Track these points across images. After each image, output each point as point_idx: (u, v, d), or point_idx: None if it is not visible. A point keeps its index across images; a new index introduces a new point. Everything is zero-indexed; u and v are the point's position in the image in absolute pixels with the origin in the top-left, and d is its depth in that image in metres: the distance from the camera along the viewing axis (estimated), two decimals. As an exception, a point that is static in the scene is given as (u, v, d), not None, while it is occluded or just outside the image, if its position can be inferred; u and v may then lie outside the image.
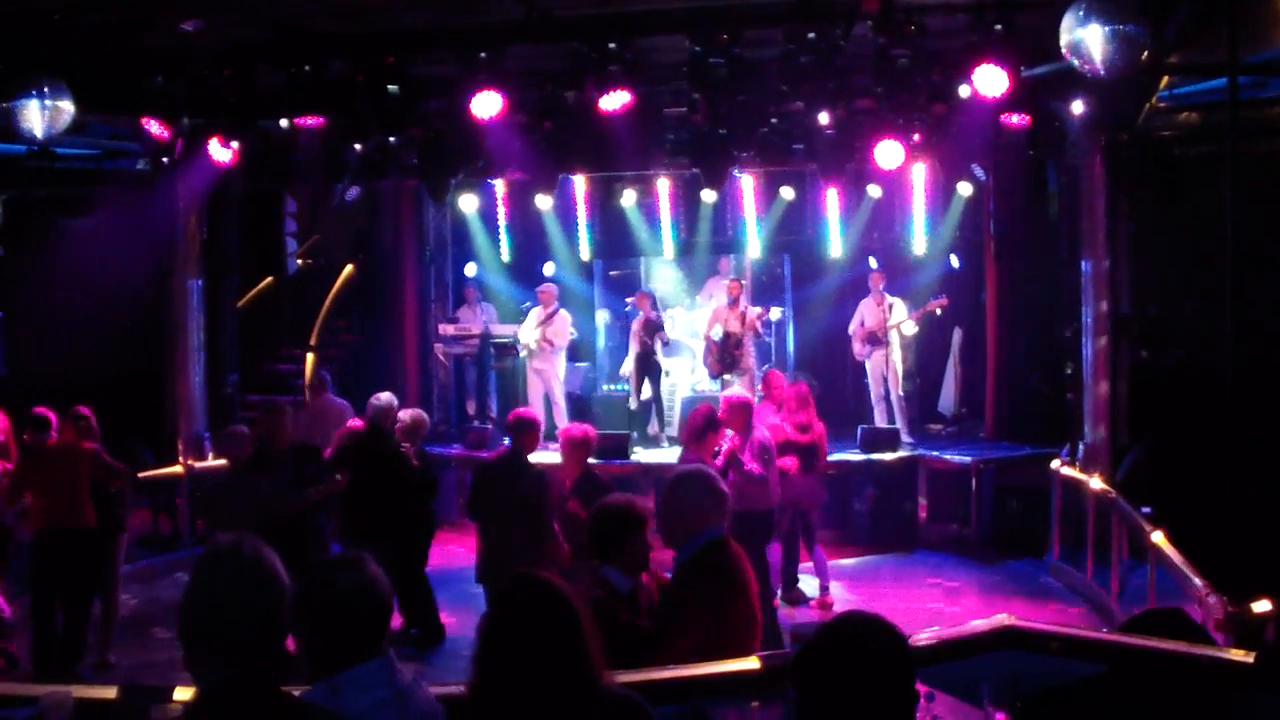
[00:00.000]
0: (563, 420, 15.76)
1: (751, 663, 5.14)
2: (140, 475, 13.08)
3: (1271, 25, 10.12)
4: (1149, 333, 13.62)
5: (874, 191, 16.62)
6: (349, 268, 17.00)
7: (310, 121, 12.55)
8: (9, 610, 10.42)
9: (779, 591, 11.48)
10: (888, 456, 14.47)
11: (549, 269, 18.33)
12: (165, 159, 13.60)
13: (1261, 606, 7.49)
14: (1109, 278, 13.04)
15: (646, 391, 16.04)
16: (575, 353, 17.43)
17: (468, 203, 17.64)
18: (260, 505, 9.11)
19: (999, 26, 10.70)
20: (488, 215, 18.21)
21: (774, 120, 12.50)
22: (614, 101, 11.69)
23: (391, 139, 12.93)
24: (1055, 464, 13.01)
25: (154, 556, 13.34)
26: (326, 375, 14.23)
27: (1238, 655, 5.11)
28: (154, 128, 12.25)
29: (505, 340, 16.37)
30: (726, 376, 15.49)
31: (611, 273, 18.98)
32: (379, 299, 17.66)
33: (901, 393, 15.75)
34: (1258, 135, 12.16)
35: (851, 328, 15.91)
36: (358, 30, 11.91)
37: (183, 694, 4.21)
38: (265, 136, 13.15)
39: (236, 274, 15.81)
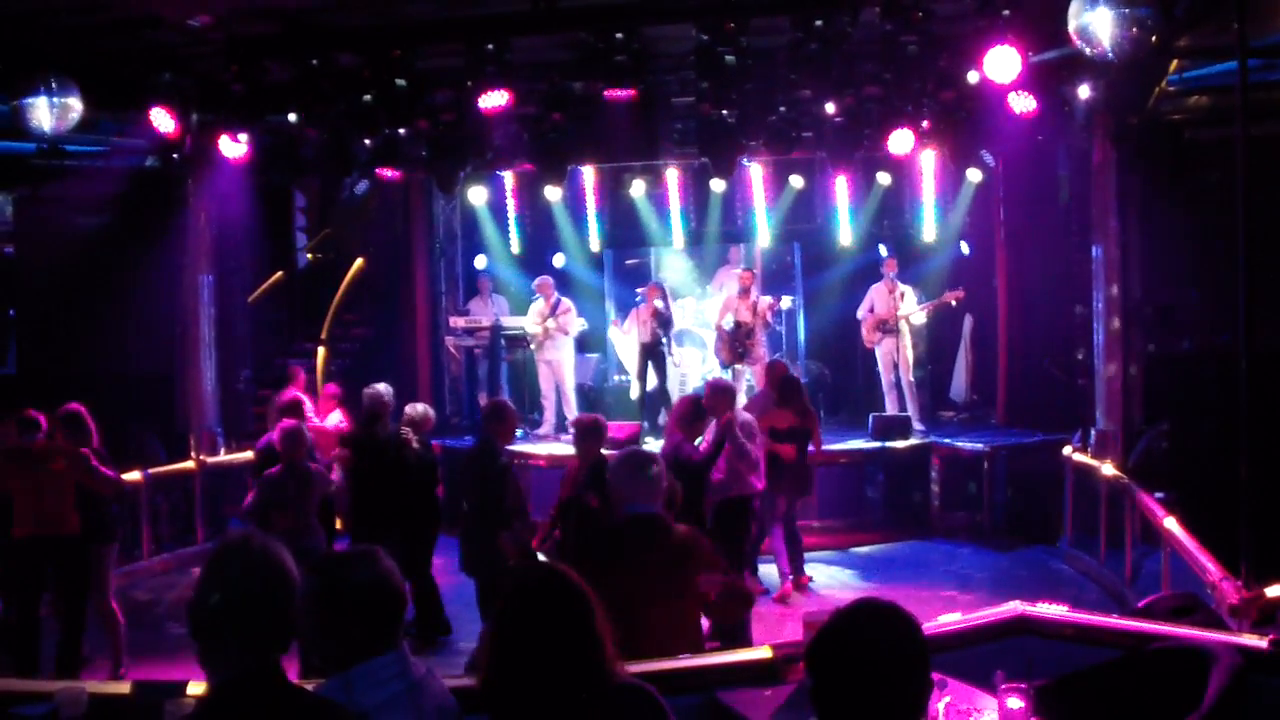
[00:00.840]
0: (573, 411, 15.78)
1: (764, 652, 5.15)
2: (153, 471, 13.15)
3: (1280, 7, 10.10)
4: (1161, 317, 13.58)
5: (883, 179, 16.61)
6: (359, 261, 17.00)
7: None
8: None
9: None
10: (900, 444, 14.47)
11: (559, 260, 18.33)
12: (174, 155, 13.61)
13: (1276, 591, 7.48)
14: (1120, 262, 12.99)
15: (651, 380, 16.03)
16: (585, 344, 17.44)
17: (477, 195, 17.66)
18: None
19: (1007, 11, 10.66)
20: (497, 207, 18.23)
21: (782, 109, 12.48)
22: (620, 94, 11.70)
23: (400, 132, 12.92)
24: (1067, 450, 12.99)
25: (167, 552, 13.35)
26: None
27: (1252, 640, 5.10)
28: (163, 124, 12.25)
29: (516, 332, 16.37)
30: (738, 366, 15.49)
31: (628, 262, 18.97)
32: (389, 292, 17.68)
33: (913, 379, 15.74)
34: (1268, 117, 12.11)
35: (861, 313, 15.89)
36: (365, 23, 11.91)
37: (196, 689, 4.22)
38: (274, 131, 13.16)
39: (247, 269, 15.82)
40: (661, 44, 12.29)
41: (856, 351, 17.20)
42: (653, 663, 4.87)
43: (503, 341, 16.54)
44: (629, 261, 19.00)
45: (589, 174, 17.58)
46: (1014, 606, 5.61)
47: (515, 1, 11.06)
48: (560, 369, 16.14)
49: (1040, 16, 10.57)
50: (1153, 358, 13.49)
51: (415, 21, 11.89)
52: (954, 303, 15.79)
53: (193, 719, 3.31)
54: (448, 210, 18.23)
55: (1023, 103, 11.14)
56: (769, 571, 11.71)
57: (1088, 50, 9.32)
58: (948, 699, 4.24)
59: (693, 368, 17.06)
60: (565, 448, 14.83)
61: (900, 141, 12.48)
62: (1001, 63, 10.74)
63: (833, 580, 12.08)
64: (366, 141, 13.19)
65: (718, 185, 16.67)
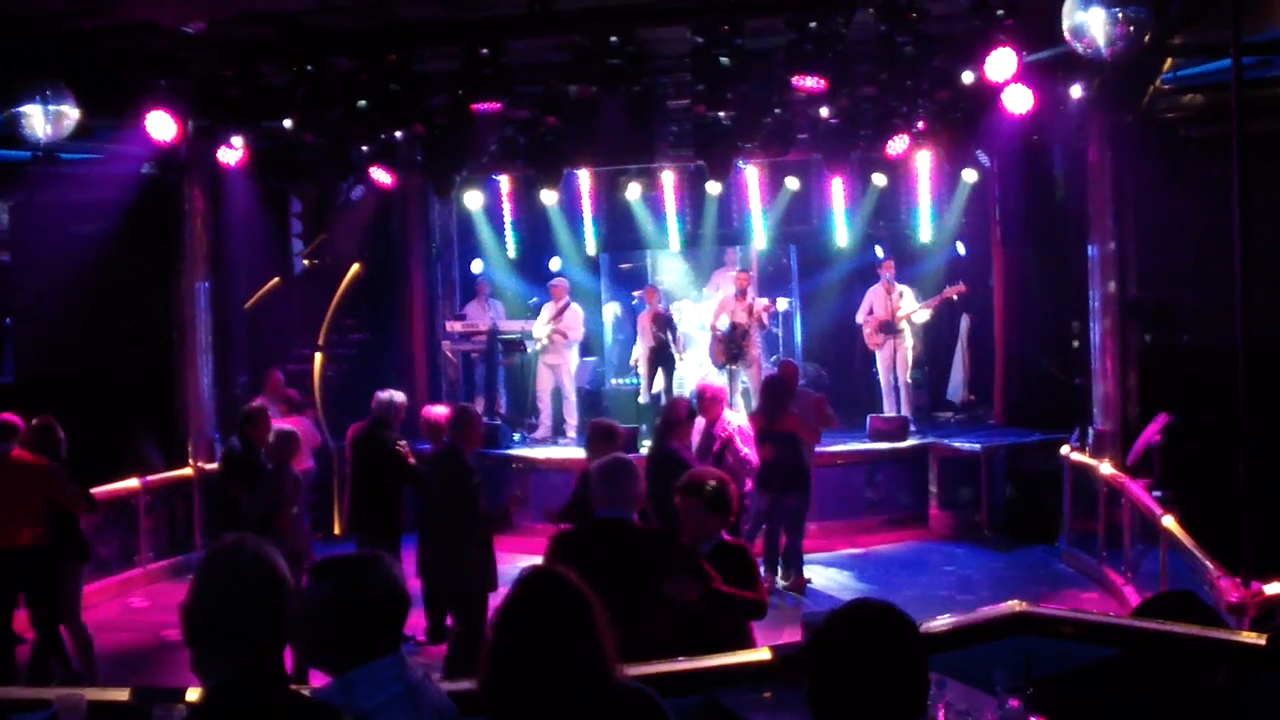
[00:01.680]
0: (573, 415, 15.80)
1: (763, 653, 5.14)
2: (150, 478, 13.14)
3: (1274, 4, 10.11)
4: (1158, 315, 13.59)
5: (879, 180, 16.64)
6: (356, 266, 16.98)
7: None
8: None
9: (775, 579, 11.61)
10: (898, 445, 14.47)
11: (555, 264, 18.35)
12: (170, 161, 13.60)
13: (1275, 588, 7.49)
14: (1116, 261, 13.00)
15: (659, 384, 16.05)
16: (583, 347, 17.45)
17: (473, 199, 17.66)
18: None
19: (1001, 11, 10.66)
20: (493, 211, 18.23)
21: (778, 110, 12.48)
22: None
23: (396, 136, 12.92)
24: (1065, 449, 13.00)
25: (165, 558, 13.33)
26: None
27: (1250, 638, 5.10)
28: (161, 129, 12.23)
29: (513, 336, 16.38)
30: (733, 368, 15.49)
31: (622, 265, 18.97)
32: (386, 297, 17.67)
33: (909, 380, 15.76)
34: (1263, 115, 12.12)
35: (860, 316, 15.93)
36: (360, 27, 11.90)
37: (194, 695, 4.22)
38: (270, 136, 13.15)
39: (243, 274, 15.80)
40: (657, 46, 12.29)
41: (854, 353, 17.22)
42: (652, 665, 4.87)
43: (499, 346, 16.54)
44: (625, 265, 18.99)
45: (585, 177, 17.60)
46: (1013, 606, 5.61)
47: (511, 4, 11.05)
48: (562, 373, 16.18)
49: (1034, 16, 10.57)
50: (1150, 356, 13.49)
51: (411, 25, 11.88)
52: (955, 298, 15.83)
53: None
54: (444, 215, 18.23)
55: (1018, 102, 11.14)
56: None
57: (1082, 49, 9.33)
58: (947, 699, 4.24)
59: (689, 370, 17.06)
60: (563, 451, 14.86)
61: (897, 143, 12.53)
62: (996, 63, 10.75)
63: (831, 581, 12.07)
64: (363, 146, 13.20)
65: (714, 188, 16.67)
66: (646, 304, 16.33)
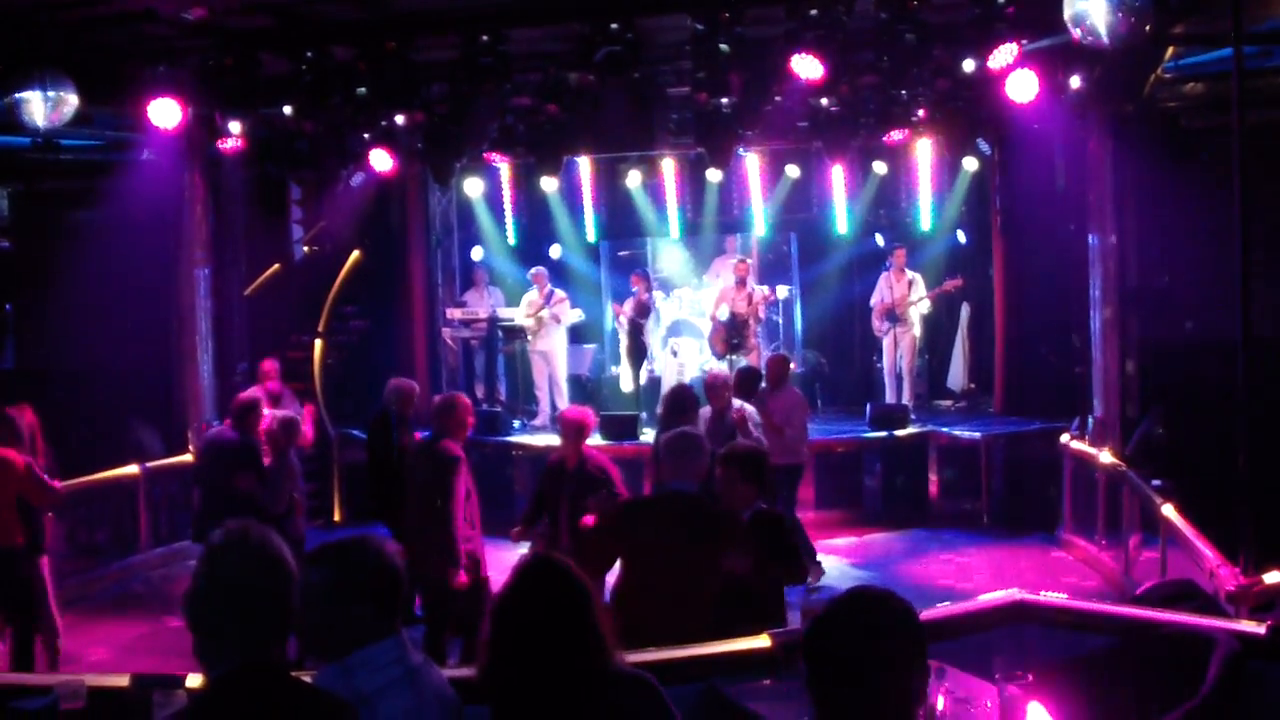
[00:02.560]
0: (564, 403, 15.80)
1: (763, 640, 5.15)
2: (150, 465, 13.15)
3: (1276, -7, 10.09)
4: (1158, 304, 13.59)
5: (880, 168, 16.63)
6: (355, 253, 16.97)
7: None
8: None
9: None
10: (897, 433, 14.47)
11: (555, 251, 18.35)
12: (169, 149, 13.57)
13: (1274, 578, 7.49)
14: (1116, 250, 12.99)
15: (641, 373, 16.07)
16: (582, 334, 17.45)
17: (473, 186, 17.65)
18: None
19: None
20: (493, 199, 18.23)
21: (778, 98, 12.46)
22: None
23: (396, 123, 12.90)
24: (1065, 438, 13.00)
25: (164, 545, 13.33)
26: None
27: (1249, 626, 5.11)
28: (164, 117, 12.21)
29: (513, 324, 16.38)
30: (733, 357, 15.49)
31: (622, 253, 18.96)
32: (386, 284, 17.65)
33: (911, 368, 15.78)
34: (1264, 105, 12.11)
35: (873, 301, 15.99)
36: (360, 14, 11.88)
37: (194, 682, 4.22)
38: (269, 123, 13.13)
39: (243, 262, 15.80)
40: (657, 34, 12.26)
41: (853, 341, 17.24)
42: (651, 652, 4.88)
43: (499, 333, 16.55)
44: (625, 252, 18.98)
45: (585, 165, 17.59)
46: (1012, 594, 5.62)
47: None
48: (553, 359, 16.18)
49: (1035, 4, 10.56)
50: (1150, 345, 13.49)
51: (410, 13, 11.86)
52: (952, 289, 15.87)
53: (191, 712, 3.31)
54: (444, 202, 18.22)
55: (1022, 89, 11.13)
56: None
57: (1083, 38, 9.31)
58: (946, 687, 4.24)
59: (690, 358, 17.06)
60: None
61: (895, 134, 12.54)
62: (996, 51, 10.74)
63: (830, 569, 12.07)
64: (363, 134, 13.19)
65: (714, 175, 16.65)
66: (633, 290, 16.32)
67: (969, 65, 11.36)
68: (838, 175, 16.91)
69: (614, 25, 11.33)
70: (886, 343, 15.90)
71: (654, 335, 17.01)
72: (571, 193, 18.03)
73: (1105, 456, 11.87)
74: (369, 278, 17.23)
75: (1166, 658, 4.93)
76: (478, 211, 18.23)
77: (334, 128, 12.94)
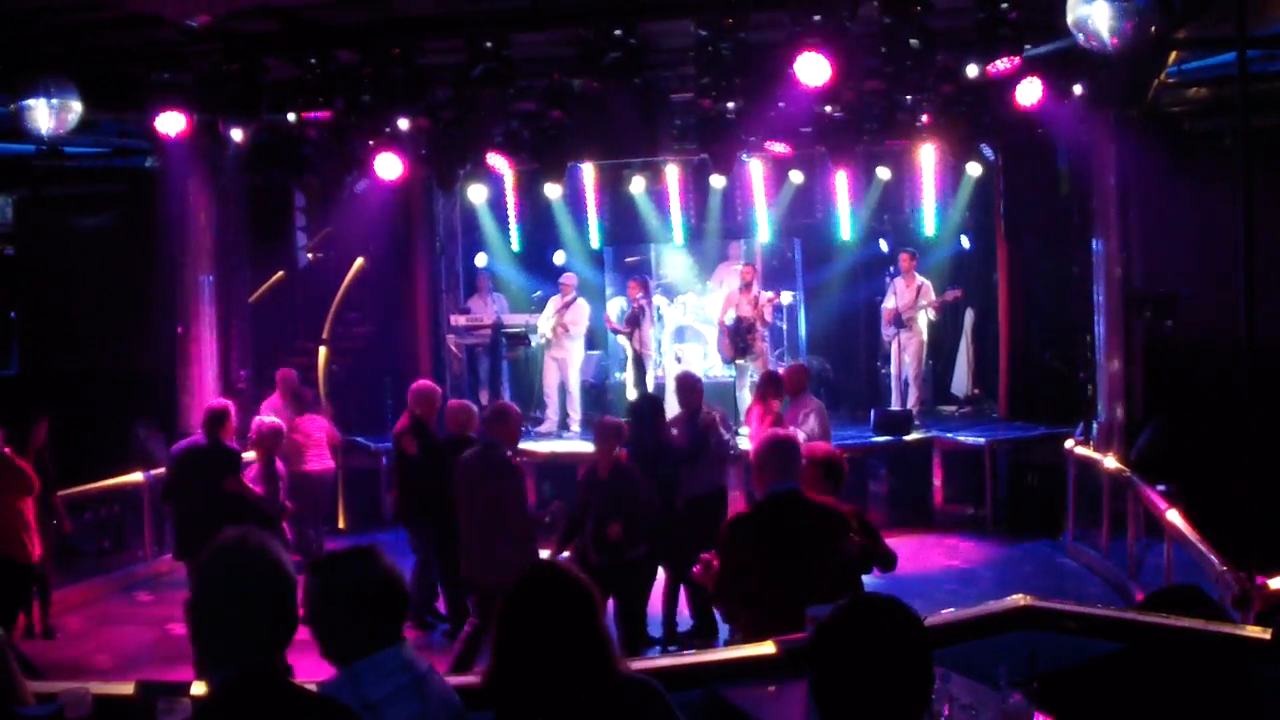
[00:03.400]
0: (576, 409, 15.82)
1: (767, 647, 5.14)
2: (154, 471, 13.15)
3: (1279, -2, 10.08)
4: (1162, 309, 13.57)
5: (883, 173, 16.62)
6: (359, 260, 16.99)
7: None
8: None
9: None
10: (902, 438, 14.46)
11: (559, 258, 18.35)
12: (174, 155, 13.59)
13: (1279, 583, 7.48)
14: (1120, 255, 12.99)
15: (632, 378, 16.08)
16: (589, 340, 17.46)
17: (477, 193, 17.65)
18: None
19: (1005, 4, 10.64)
20: (497, 205, 18.22)
21: (781, 104, 12.46)
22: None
23: (400, 129, 12.90)
24: (1069, 443, 13.00)
25: (169, 552, 13.31)
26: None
27: (1255, 632, 5.10)
28: (162, 124, 12.23)
29: (517, 330, 16.39)
30: (740, 361, 15.49)
31: (627, 259, 18.96)
32: (390, 291, 17.66)
33: (917, 373, 15.77)
34: (1267, 109, 12.10)
35: (883, 306, 16.00)
36: (364, 20, 11.89)
37: (199, 689, 4.22)
38: (273, 130, 13.14)
39: (247, 268, 15.82)
40: (661, 39, 12.27)
41: (858, 346, 17.23)
42: (655, 659, 4.87)
43: (504, 339, 16.54)
44: (629, 259, 18.99)
45: (589, 171, 17.59)
46: (1017, 600, 5.61)
47: (514, -2, 11.07)
48: (567, 366, 16.20)
49: (1038, 9, 10.55)
50: (1154, 350, 13.48)
51: (415, 18, 11.87)
52: (952, 300, 15.91)
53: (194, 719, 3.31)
54: (448, 208, 18.22)
55: (1027, 94, 11.13)
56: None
57: (1086, 43, 9.31)
58: (951, 693, 4.24)
59: (695, 363, 17.06)
60: (568, 444, 14.87)
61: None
62: (998, 56, 10.74)
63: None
64: (367, 140, 13.19)
65: (718, 181, 16.67)
66: (633, 297, 16.33)
67: (972, 70, 11.36)
68: (841, 181, 16.90)
69: (618, 31, 11.33)
70: (893, 348, 15.89)
71: (656, 341, 16.98)
72: (575, 199, 18.03)
73: (1110, 461, 11.87)
74: (373, 284, 17.25)
75: (1172, 664, 4.92)
76: (481, 217, 18.23)
77: (338, 133, 12.94)
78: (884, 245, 17.50)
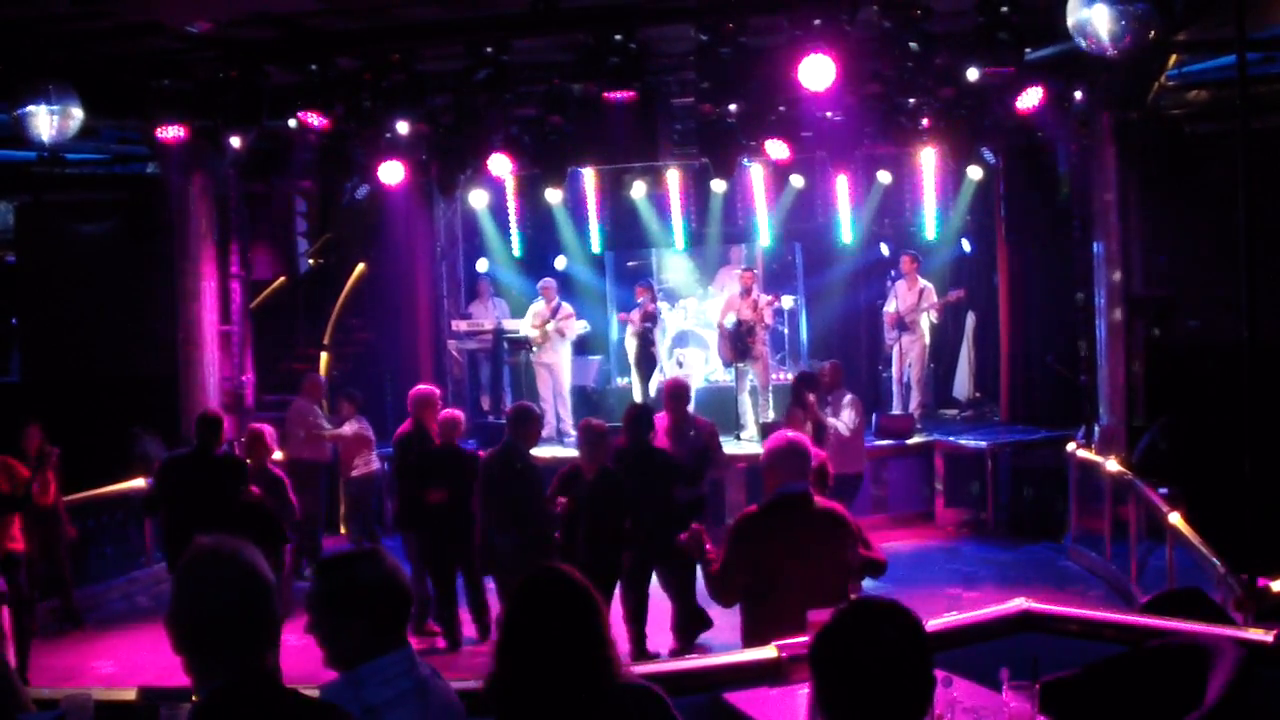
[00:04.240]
0: (568, 415, 15.79)
1: (769, 651, 5.14)
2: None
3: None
4: (1163, 312, 13.57)
5: (884, 177, 16.60)
6: (361, 266, 17.01)
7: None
8: None
9: None
10: (904, 442, 14.46)
11: (560, 263, 18.36)
12: (175, 161, 13.60)
13: (1281, 585, 7.47)
14: (1121, 258, 12.99)
15: (639, 385, 16.08)
16: (588, 346, 17.45)
17: (478, 198, 17.65)
18: None
19: (1005, 8, 10.65)
20: (498, 210, 18.22)
21: (782, 108, 12.47)
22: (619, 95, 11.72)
23: (400, 135, 12.91)
24: (1071, 446, 12.99)
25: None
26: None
27: (1257, 635, 5.10)
28: (163, 130, 12.24)
29: (518, 335, 16.40)
30: (740, 365, 15.48)
31: (628, 264, 18.97)
32: (391, 296, 17.68)
33: (919, 377, 15.76)
34: (1268, 111, 12.10)
35: (885, 310, 15.99)
36: (364, 26, 11.91)
37: (201, 695, 4.22)
38: (274, 136, 13.15)
39: (248, 274, 15.81)
40: (661, 44, 12.28)
41: (859, 350, 17.22)
42: (658, 664, 4.87)
43: (505, 344, 16.54)
44: (631, 263, 19.00)
45: (589, 176, 17.60)
46: (1019, 603, 5.61)
47: (514, 3, 11.06)
48: (558, 372, 16.17)
49: (1038, 12, 10.56)
50: (1155, 353, 13.47)
51: (414, 24, 11.89)
52: (955, 301, 15.89)
53: None
54: (449, 214, 18.21)
55: (1027, 98, 11.14)
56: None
57: (1086, 46, 9.31)
58: (952, 697, 4.24)
59: (696, 368, 17.05)
60: (566, 451, 14.85)
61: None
62: (998, 59, 10.75)
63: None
64: (367, 146, 13.20)
65: (718, 186, 16.69)
66: (638, 302, 16.32)
67: (973, 74, 11.36)
68: (842, 185, 16.90)
69: (618, 36, 11.35)
70: (895, 351, 15.88)
71: (660, 346, 16.98)
72: (576, 204, 18.03)
73: (1111, 464, 11.86)
74: (374, 290, 17.26)
75: (1174, 667, 4.92)
76: (482, 223, 18.23)
77: (339, 139, 12.96)
78: (885, 249, 17.50)
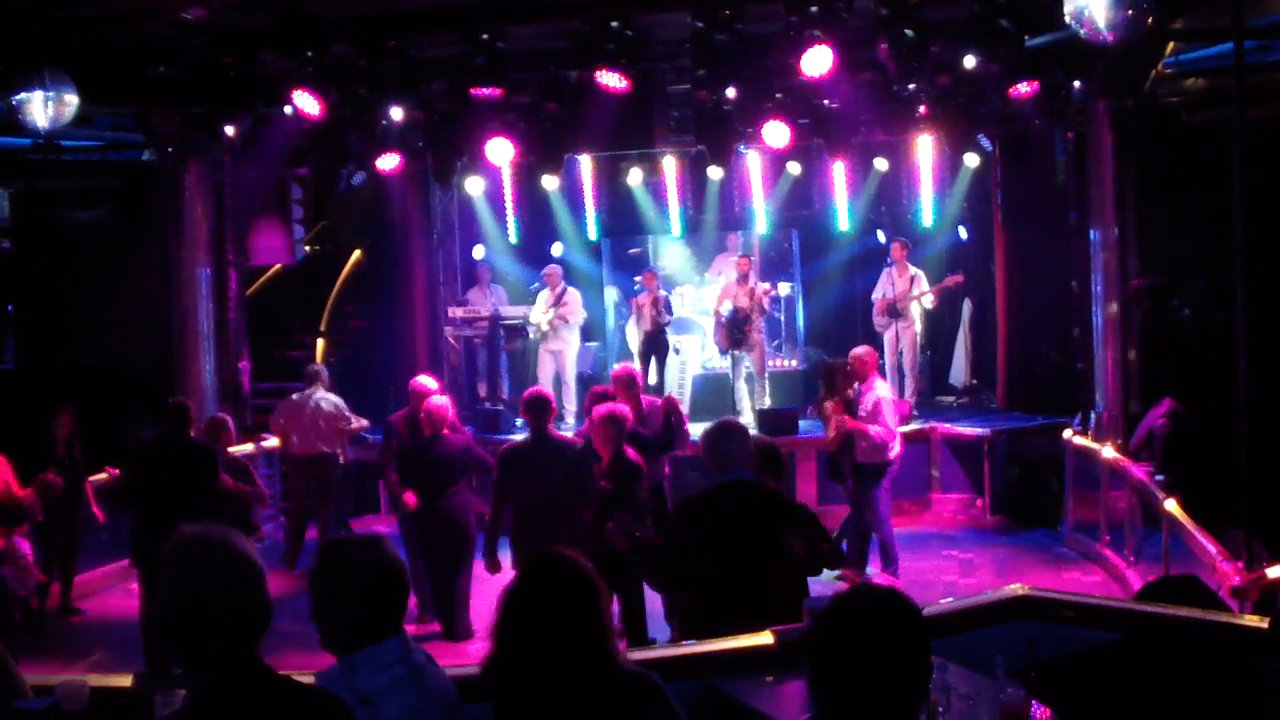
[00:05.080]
0: (572, 401, 15.76)
1: (765, 638, 5.14)
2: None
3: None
4: (1160, 300, 13.57)
5: (881, 165, 16.60)
6: (357, 253, 16.98)
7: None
8: None
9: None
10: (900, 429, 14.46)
11: (557, 249, 18.34)
12: (170, 148, 13.57)
13: (1276, 573, 7.48)
14: (1117, 245, 12.98)
15: (653, 371, 16.02)
16: (585, 332, 17.44)
17: (474, 185, 17.62)
18: None
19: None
20: (494, 197, 18.19)
21: (779, 95, 12.45)
22: (614, 83, 11.68)
23: (396, 122, 12.90)
24: (1067, 433, 12.99)
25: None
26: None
27: (1252, 621, 5.11)
28: (158, 117, 12.22)
29: (515, 322, 16.38)
30: (736, 352, 15.48)
31: (630, 251, 18.96)
32: (387, 283, 17.65)
33: (913, 363, 15.76)
34: (1265, 99, 12.10)
35: (874, 296, 15.96)
36: (359, 13, 11.89)
37: (197, 681, 4.22)
38: (269, 122, 13.12)
39: (244, 262, 15.78)
40: (657, 31, 12.26)
41: (856, 338, 17.17)
42: (654, 650, 4.87)
43: (501, 331, 16.53)
44: (630, 251, 18.99)
45: (586, 163, 17.57)
46: (1015, 590, 5.61)
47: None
48: (564, 359, 16.15)
49: (1035, 1, 10.55)
50: (1152, 340, 13.47)
51: (409, 11, 11.86)
52: (953, 286, 15.87)
53: (181, 716, 3.29)
54: (445, 201, 18.17)
55: (1019, 87, 11.13)
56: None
57: (1084, 33, 9.30)
58: (948, 682, 4.24)
59: (692, 355, 17.05)
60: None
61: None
62: (995, 47, 10.74)
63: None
64: (363, 132, 13.18)
65: (715, 173, 16.66)
66: (646, 289, 16.29)
67: (970, 61, 11.35)
68: (839, 172, 16.90)
69: (614, 23, 11.33)
70: (888, 338, 15.86)
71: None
72: (573, 191, 18.01)
73: (1108, 451, 11.86)
74: (370, 277, 17.24)
75: (1170, 653, 4.93)
76: (479, 210, 18.20)
77: (334, 126, 12.93)
78: (881, 236, 17.50)
